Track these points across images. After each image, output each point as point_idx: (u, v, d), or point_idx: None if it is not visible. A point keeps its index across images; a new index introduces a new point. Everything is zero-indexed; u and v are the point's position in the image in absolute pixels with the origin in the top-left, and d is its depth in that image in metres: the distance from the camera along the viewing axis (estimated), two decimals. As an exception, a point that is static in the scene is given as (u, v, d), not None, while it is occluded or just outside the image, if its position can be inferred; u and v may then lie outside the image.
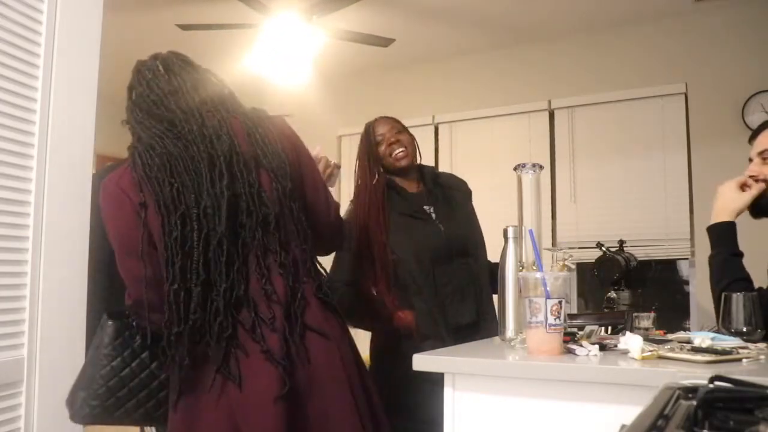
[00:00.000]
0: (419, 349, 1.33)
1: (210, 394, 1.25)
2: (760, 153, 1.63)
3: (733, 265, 1.54)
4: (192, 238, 1.27)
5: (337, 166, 1.86)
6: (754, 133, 1.70)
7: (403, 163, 2.06)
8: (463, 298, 2.00)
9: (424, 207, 2.09)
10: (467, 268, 2.05)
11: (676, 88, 3.94)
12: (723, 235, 1.58)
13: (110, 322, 1.36)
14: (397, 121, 2.16)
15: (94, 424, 1.33)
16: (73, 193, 1.55)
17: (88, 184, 1.61)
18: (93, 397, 1.31)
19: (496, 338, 1.50)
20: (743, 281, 1.50)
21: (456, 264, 2.02)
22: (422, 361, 1.23)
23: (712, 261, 1.58)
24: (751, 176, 1.63)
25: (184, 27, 3.67)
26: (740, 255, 1.57)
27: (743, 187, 1.61)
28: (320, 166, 1.75)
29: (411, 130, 2.20)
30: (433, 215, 2.08)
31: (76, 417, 1.32)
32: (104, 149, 5.56)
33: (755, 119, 3.74)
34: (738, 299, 1.31)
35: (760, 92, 3.73)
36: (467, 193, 2.25)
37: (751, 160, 1.68)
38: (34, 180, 1.44)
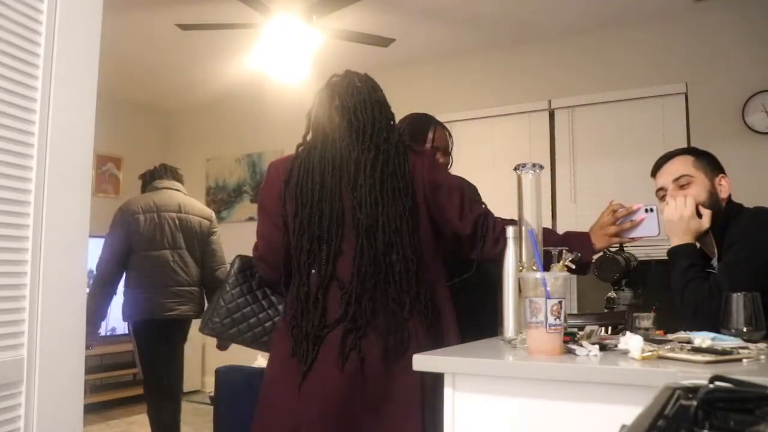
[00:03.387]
0: None
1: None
2: (676, 180, 1.72)
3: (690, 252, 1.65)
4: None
5: (632, 210, 1.66)
6: (657, 167, 1.79)
7: None
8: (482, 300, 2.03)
9: None
10: (486, 271, 2.08)
11: (676, 88, 3.95)
12: (690, 253, 1.66)
13: (237, 259, 1.74)
14: (452, 141, 2.20)
15: (215, 336, 1.70)
16: (73, 193, 1.55)
17: (88, 184, 1.61)
18: (215, 314, 1.67)
19: (496, 338, 1.50)
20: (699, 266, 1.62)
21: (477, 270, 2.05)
22: (422, 361, 1.23)
23: (676, 264, 1.67)
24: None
25: (184, 27, 3.67)
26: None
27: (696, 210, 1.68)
28: (614, 228, 1.68)
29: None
30: None
31: (204, 329, 1.70)
32: (104, 149, 5.60)
33: (755, 119, 3.75)
34: (738, 299, 1.31)
35: (760, 92, 3.73)
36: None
37: (661, 189, 1.76)
38: (34, 180, 1.44)
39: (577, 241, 1.60)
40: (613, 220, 1.69)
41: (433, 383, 1.47)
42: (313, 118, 1.71)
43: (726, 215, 1.68)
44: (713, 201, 1.68)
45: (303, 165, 1.64)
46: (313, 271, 1.58)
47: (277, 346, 1.64)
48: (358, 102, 1.65)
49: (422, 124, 2.16)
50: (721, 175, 1.72)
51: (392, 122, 1.72)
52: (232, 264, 1.74)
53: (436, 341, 1.54)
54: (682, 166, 1.73)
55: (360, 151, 1.61)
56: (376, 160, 1.60)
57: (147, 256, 3.08)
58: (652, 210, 1.66)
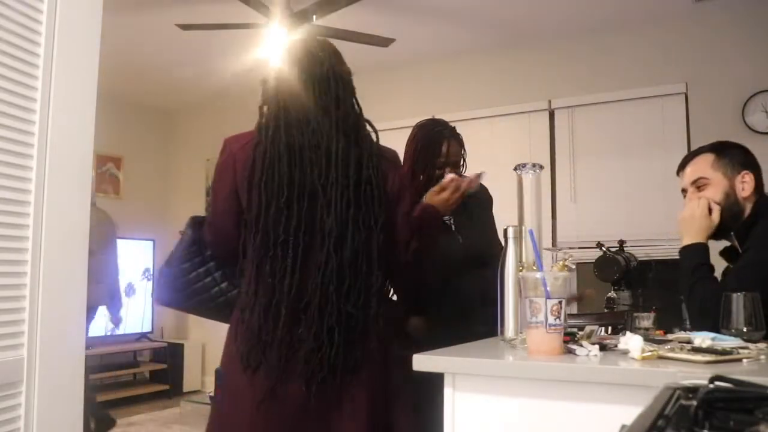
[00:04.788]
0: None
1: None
2: (694, 182, 1.76)
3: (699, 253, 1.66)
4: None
5: (474, 177, 1.86)
6: (681, 166, 1.84)
7: None
8: (478, 307, 1.97)
9: (445, 218, 2.04)
10: (483, 279, 2.03)
11: (676, 88, 3.95)
12: (700, 253, 1.67)
13: (190, 231, 1.64)
14: (464, 150, 2.13)
15: (174, 308, 1.68)
16: (73, 193, 1.55)
17: (88, 184, 1.61)
18: (171, 287, 1.63)
19: (496, 338, 1.50)
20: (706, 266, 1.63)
21: (473, 274, 2.00)
22: (422, 361, 1.22)
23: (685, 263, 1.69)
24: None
25: (184, 27, 3.67)
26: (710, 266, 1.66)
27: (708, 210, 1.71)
28: (446, 193, 1.79)
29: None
30: (453, 226, 2.06)
31: (161, 301, 1.69)
32: (104, 149, 5.60)
33: (755, 119, 3.75)
34: (738, 299, 1.31)
35: (760, 92, 3.73)
36: (488, 202, 2.21)
37: (684, 190, 1.82)
38: (34, 180, 1.44)
39: (429, 216, 1.73)
40: (440, 189, 1.81)
41: (387, 404, 1.48)
42: (271, 90, 1.54)
43: (754, 213, 1.66)
44: (730, 201, 1.68)
45: (268, 154, 1.46)
46: (278, 279, 1.43)
47: (230, 345, 1.52)
48: (321, 76, 1.51)
49: (436, 136, 2.06)
50: (745, 171, 1.70)
51: (355, 99, 1.61)
52: (184, 234, 1.64)
53: (390, 358, 1.50)
54: (700, 167, 1.76)
55: (329, 139, 1.47)
56: (347, 154, 1.48)
57: (99, 259, 3.85)
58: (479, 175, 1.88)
